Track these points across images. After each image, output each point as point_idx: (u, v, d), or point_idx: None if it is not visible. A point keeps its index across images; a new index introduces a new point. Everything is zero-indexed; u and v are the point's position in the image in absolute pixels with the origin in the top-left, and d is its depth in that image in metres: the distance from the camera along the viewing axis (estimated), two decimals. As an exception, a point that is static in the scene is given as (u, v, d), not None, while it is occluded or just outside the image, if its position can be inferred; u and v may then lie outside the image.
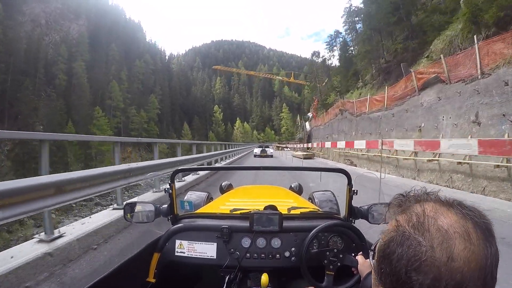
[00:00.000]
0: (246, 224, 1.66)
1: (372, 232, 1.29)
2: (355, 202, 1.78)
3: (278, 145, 67.31)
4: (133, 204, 1.77)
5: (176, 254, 1.67)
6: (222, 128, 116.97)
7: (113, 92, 74.22)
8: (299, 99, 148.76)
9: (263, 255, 1.63)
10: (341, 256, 1.54)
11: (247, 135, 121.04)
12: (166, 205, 1.82)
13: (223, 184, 3.70)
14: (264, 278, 1.46)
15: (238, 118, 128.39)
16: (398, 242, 0.58)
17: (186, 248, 1.67)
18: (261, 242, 1.65)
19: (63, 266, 3.27)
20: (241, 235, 1.66)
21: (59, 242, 3.50)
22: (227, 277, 1.58)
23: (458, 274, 0.52)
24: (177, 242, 1.68)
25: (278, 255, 1.62)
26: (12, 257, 2.99)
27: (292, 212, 1.98)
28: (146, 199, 4.93)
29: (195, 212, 2.11)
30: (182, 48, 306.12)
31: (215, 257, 1.63)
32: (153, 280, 1.62)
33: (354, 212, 1.77)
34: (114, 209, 5.25)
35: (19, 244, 3.54)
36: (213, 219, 1.83)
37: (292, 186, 3.79)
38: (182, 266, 1.68)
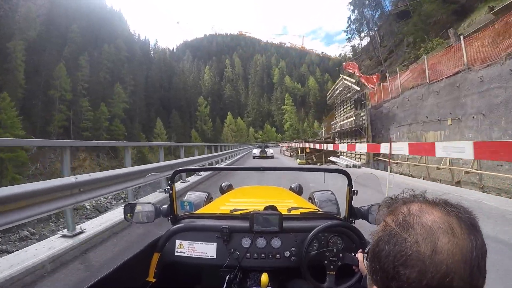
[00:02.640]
0: (246, 224, 1.70)
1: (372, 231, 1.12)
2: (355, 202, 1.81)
3: (307, 145, 26.34)
4: (133, 205, 1.83)
5: (176, 254, 1.70)
6: (208, 126, 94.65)
7: (58, 79, 54.48)
8: (302, 91, 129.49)
9: (263, 255, 1.66)
10: (341, 255, 1.55)
11: (241, 133, 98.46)
12: (166, 206, 1.86)
13: (223, 184, 3.80)
14: (264, 278, 1.51)
15: (229, 113, 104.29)
16: (386, 241, 0.61)
17: (186, 248, 1.70)
18: (261, 242, 1.68)
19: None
20: (241, 235, 1.70)
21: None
22: (227, 277, 1.62)
23: (443, 266, 0.54)
24: (177, 242, 1.72)
25: (278, 255, 1.65)
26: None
27: (292, 212, 2.00)
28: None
29: (195, 212, 2.16)
30: (173, 44, 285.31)
31: (215, 257, 1.67)
32: (153, 280, 1.65)
33: (354, 213, 1.81)
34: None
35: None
36: (213, 219, 1.86)
37: (292, 186, 3.84)
38: (182, 266, 1.72)
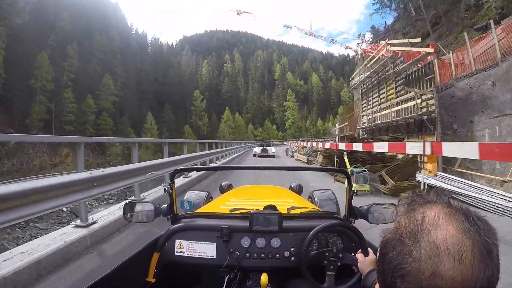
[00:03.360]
0: (246, 224, 1.70)
1: (371, 232, 1.37)
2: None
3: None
4: (133, 204, 1.84)
5: (175, 254, 1.70)
6: (204, 121, 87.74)
7: (40, 68, 49.86)
8: (305, 88, 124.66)
9: (262, 255, 1.66)
10: (340, 255, 1.56)
11: (239, 130, 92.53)
12: (166, 205, 1.86)
13: (223, 184, 3.79)
14: (264, 278, 1.51)
15: (227, 108, 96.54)
16: (392, 246, 0.60)
17: (186, 248, 1.70)
18: (260, 242, 1.68)
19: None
20: (240, 235, 1.69)
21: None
22: (226, 277, 1.62)
23: None
24: (177, 242, 1.72)
25: (277, 255, 1.65)
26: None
27: (292, 212, 2.01)
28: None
29: (194, 211, 2.14)
30: (173, 39, 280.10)
31: (214, 257, 1.67)
32: (152, 280, 1.66)
33: (353, 212, 1.82)
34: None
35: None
36: (212, 219, 1.86)
37: (292, 186, 3.87)
38: (181, 266, 1.72)
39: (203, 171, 11.00)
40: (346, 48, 55.31)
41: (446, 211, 0.59)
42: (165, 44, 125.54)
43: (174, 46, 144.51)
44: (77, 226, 4.31)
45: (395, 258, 0.58)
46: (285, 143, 41.14)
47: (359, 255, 1.45)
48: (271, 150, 27.99)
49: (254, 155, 27.85)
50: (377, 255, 0.67)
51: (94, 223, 4.50)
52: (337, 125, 32.01)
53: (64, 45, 58.67)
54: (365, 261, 1.39)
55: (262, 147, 28.57)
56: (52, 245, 3.58)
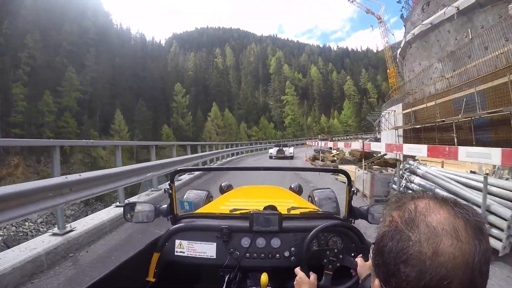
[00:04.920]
0: (245, 224, 1.71)
1: (371, 232, 1.53)
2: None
3: None
4: (133, 204, 1.84)
5: (176, 254, 1.71)
6: (187, 120, 74.80)
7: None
8: (304, 82, 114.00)
9: (262, 255, 1.67)
10: (341, 256, 1.57)
11: (229, 130, 78.24)
12: (166, 205, 1.87)
13: (223, 184, 3.82)
14: (264, 277, 1.52)
15: (214, 104, 79.76)
16: (390, 236, 0.62)
17: (186, 248, 1.71)
18: (260, 242, 1.70)
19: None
20: (240, 235, 1.71)
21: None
22: (226, 277, 1.62)
23: (443, 268, 0.54)
24: (177, 242, 1.73)
25: (277, 255, 1.67)
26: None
27: (292, 212, 2.03)
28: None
29: (194, 212, 2.15)
30: (162, 37, 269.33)
31: (214, 257, 1.68)
32: (153, 280, 1.66)
33: (353, 212, 1.83)
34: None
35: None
36: (212, 219, 1.87)
37: (292, 186, 3.91)
38: (181, 265, 1.73)
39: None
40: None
41: (434, 201, 0.63)
42: (152, 40, 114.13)
43: (164, 45, 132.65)
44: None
45: (395, 246, 0.60)
46: (309, 143, 33.68)
47: (359, 259, 1.45)
48: (288, 151, 26.31)
49: (270, 157, 26.42)
50: (373, 252, 0.69)
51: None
52: (395, 110, 22.29)
53: (23, 34, 51.30)
54: (364, 266, 1.38)
55: (278, 148, 26.93)
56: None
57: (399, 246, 0.59)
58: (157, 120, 68.23)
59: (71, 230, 4.38)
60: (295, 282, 1.44)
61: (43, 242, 3.87)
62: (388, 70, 62.58)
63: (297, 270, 1.47)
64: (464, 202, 0.64)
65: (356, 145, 16.24)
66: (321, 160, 18.51)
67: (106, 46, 69.68)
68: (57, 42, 59.29)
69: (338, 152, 20.48)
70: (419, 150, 8.39)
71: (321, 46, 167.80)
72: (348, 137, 69.75)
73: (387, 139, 23.25)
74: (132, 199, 7.01)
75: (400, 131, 20.36)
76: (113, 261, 3.77)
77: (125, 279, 1.47)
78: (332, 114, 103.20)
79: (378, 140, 31.64)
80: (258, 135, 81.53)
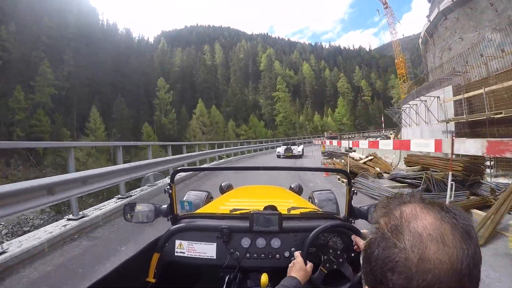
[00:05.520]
0: (246, 224, 1.71)
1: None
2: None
3: None
4: (133, 204, 1.86)
5: (176, 254, 1.72)
6: (171, 118, 69.97)
7: None
8: (296, 79, 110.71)
9: (262, 255, 1.67)
10: (340, 260, 1.57)
11: (216, 128, 73.55)
12: (166, 205, 1.89)
13: (223, 184, 3.81)
14: (264, 278, 1.52)
15: (200, 100, 74.67)
16: (377, 244, 0.62)
17: (186, 248, 1.72)
18: (261, 242, 1.70)
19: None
20: (241, 235, 1.71)
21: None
22: (226, 277, 1.63)
23: (430, 274, 0.54)
24: (177, 242, 1.73)
25: (278, 255, 1.67)
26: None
27: (292, 212, 2.03)
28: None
29: (195, 212, 2.17)
30: (151, 35, 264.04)
31: (214, 257, 1.68)
32: (153, 280, 1.67)
33: (354, 212, 1.84)
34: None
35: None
36: (213, 219, 1.88)
37: (292, 186, 3.90)
38: (182, 266, 1.74)
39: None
40: None
41: (421, 206, 0.63)
42: (139, 37, 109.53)
43: (152, 42, 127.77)
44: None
45: (381, 254, 0.60)
46: (314, 141, 32.46)
47: (356, 238, 1.52)
48: (297, 149, 25.70)
49: (278, 156, 25.71)
50: (362, 259, 0.69)
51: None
52: (439, 96, 17.63)
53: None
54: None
55: (286, 147, 26.14)
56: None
57: (385, 254, 0.59)
58: (139, 119, 64.07)
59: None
60: (290, 264, 1.46)
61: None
62: (395, 60, 59.84)
63: (297, 254, 1.49)
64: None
65: (381, 144, 9.77)
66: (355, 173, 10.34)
67: (88, 41, 66.10)
68: (35, 36, 55.39)
69: (371, 158, 12.59)
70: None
71: (313, 44, 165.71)
72: (352, 136, 63.75)
73: (412, 135, 19.47)
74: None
75: (450, 126, 14.98)
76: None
77: (125, 280, 1.47)
78: (326, 112, 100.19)
79: (387, 138, 28.96)
80: (247, 134, 77.11)
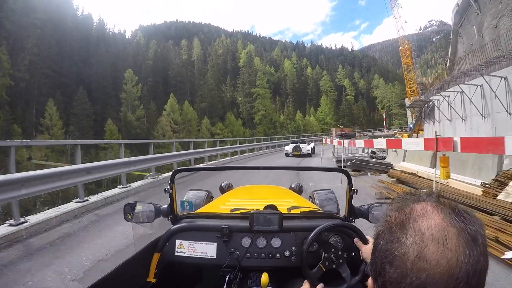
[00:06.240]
0: (246, 224, 1.71)
1: (372, 231, 1.15)
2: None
3: None
4: (133, 204, 1.85)
5: (176, 254, 1.72)
6: (139, 114, 63.56)
7: None
8: (276, 76, 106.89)
9: (263, 255, 1.68)
10: (340, 261, 1.57)
11: (189, 126, 68.08)
12: (166, 205, 1.87)
13: (223, 184, 3.79)
14: (264, 277, 1.51)
15: (172, 95, 69.14)
16: (383, 236, 0.64)
17: (186, 248, 1.72)
18: (261, 241, 1.70)
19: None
20: (241, 235, 1.71)
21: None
22: (227, 277, 1.65)
23: (424, 274, 0.54)
24: (177, 242, 1.74)
25: (278, 255, 1.68)
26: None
27: (292, 211, 2.02)
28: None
29: (195, 212, 2.18)
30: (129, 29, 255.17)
31: (215, 257, 1.69)
32: (153, 280, 1.67)
33: (354, 212, 1.85)
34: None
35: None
36: (213, 219, 1.88)
37: (292, 185, 3.87)
38: (182, 266, 1.75)
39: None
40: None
41: (433, 205, 0.63)
42: (113, 29, 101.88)
43: (129, 37, 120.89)
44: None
45: (384, 246, 0.62)
46: (323, 140, 28.01)
47: (358, 242, 1.52)
48: (306, 148, 24.81)
49: (286, 155, 25.07)
50: (372, 249, 0.71)
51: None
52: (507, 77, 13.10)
53: None
54: (367, 249, 1.42)
55: (294, 145, 25.18)
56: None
57: (387, 246, 0.61)
58: (104, 115, 58.26)
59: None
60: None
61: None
62: (400, 48, 55.62)
63: (305, 283, 1.45)
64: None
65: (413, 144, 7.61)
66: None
67: (55, 29, 60.06)
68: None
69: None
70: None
71: (294, 43, 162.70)
72: (364, 134, 58.30)
73: (455, 132, 15.86)
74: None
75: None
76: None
77: (125, 280, 1.47)
78: (308, 111, 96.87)
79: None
80: (223, 133, 71.65)
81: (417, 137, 23.57)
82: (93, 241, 4.81)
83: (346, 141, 15.93)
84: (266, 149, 32.97)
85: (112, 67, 67.35)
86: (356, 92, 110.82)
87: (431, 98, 19.43)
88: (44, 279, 3.59)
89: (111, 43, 78.30)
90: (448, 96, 16.54)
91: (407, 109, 50.11)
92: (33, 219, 5.44)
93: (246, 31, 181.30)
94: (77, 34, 66.88)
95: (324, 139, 26.78)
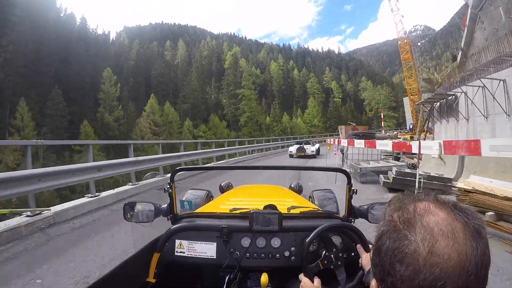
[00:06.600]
0: (245, 223, 1.71)
1: (371, 231, 1.21)
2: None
3: None
4: (133, 204, 1.84)
5: (176, 254, 1.72)
6: (117, 114, 60.82)
7: None
8: (262, 78, 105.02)
9: (262, 255, 1.68)
10: (339, 263, 1.56)
11: (170, 128, 65.97)
12: (166, 205, 1.88)
13: (223, 183, 3.86)
14: (264, 277, 1.54)
15: (152, 96, 67.59)
16: (388, 235, 0.63)
17: (186, 248, 1.72)
18: (260, 241, 1.70)
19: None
20: (241, 234, 1.71)
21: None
22: (227, 277, 1.66)
23: (437, 269, 0.55)
24: (177, 242, 1.74)
25: (278, 255, 1.68)
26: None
27: (292, 211, 2.02)
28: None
29: (194, 211, 2.16)
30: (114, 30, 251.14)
31: (215, 257, 1.69)
32: (153, 280, 1.67)
33: (353, 212, 1.84)
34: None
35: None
36: (212, 219, 1.87)
37: (292, 185, 3.92)
38: (182, 266, 1.75)
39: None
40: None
41: (434, 203, 0.64)
42: (98, 30, 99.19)
43: (114, 38, 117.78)
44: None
45: (391, 245, 0.61)
46: (328, 141, 24.95)
47: (360, 249, 1.51)
48: (310, 149, 24.27)
49: (290, 156, 24.63)
50: (372, 252, 0.71)
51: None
52: None
53: None
54: (367, 257, 1.39)
55: (298, 146, 24.86)
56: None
57: (395, 245, 0.60)
58: (81, 115, 55.59)
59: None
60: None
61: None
62: (399, 43, 54.02)
63: (301, 276, 1.45)
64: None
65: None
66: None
67: (34, 27, 57.39)
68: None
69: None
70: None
71: (281, 45, 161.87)
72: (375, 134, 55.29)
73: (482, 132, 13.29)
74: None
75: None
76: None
77: (125, 280, 1.47)
78: (295, 113, 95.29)
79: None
80: (207, 135, 69.41)
81: (425, 139, 20.46)
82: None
83: (360, 143, 11.92)
84: (252, 152, 28.05)
85: (92, 67, 64.57)
86: (344, 94, 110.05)
87: (453, 91, 16.15)
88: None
89: (92, 43, 74.78)
90: (464, 92, 14.12)
91: (405, 109, 48.65)
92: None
93: (233, 33, 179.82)
94: (57, 33, 63.95)
95: (328, 140, 23.70)
